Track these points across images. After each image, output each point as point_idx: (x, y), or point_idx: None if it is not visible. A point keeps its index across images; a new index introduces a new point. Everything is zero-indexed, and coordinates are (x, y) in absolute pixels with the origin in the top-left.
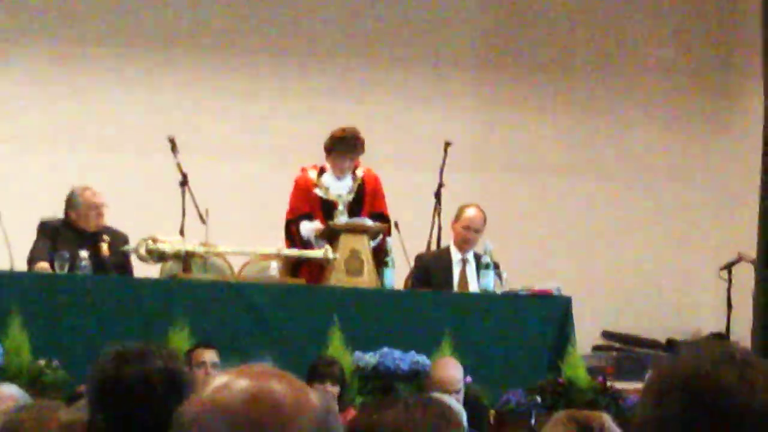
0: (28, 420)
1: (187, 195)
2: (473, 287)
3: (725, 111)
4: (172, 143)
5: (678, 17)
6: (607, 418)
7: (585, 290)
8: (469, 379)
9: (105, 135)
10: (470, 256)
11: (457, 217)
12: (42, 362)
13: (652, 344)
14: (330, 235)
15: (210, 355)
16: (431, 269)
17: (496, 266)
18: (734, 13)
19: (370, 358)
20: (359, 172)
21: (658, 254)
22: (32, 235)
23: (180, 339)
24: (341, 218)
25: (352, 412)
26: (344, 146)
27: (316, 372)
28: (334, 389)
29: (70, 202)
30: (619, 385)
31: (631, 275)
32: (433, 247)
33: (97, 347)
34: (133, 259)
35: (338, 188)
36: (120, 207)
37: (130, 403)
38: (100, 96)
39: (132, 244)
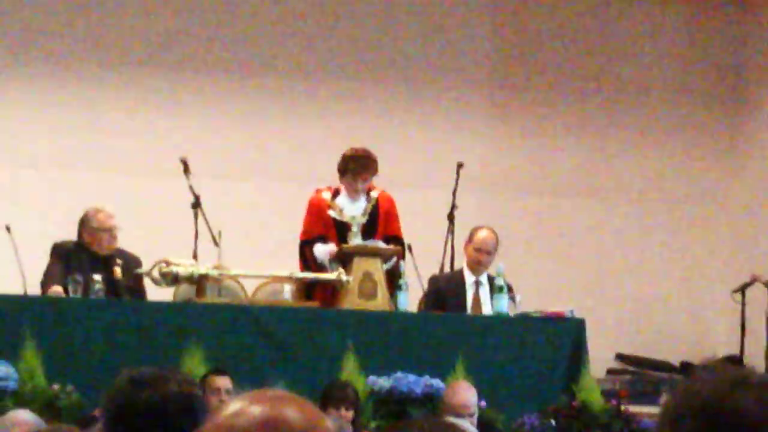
0: None
1: (200, 217)
2: (487, 310)
3: (738, 131)
4: (185, 165)
5: (689, 37)
6: None
7: (598, 313)
8: (483, 403)
9: (118, 157)
10: (484, 278)
11: (470, 239)
12: (56, 387)
13: (666, 367)
14: (343, 258)
15: (224, 382)
16: (444, 292)
17: (510, 289)
18: (745, 30)
19: (384, 382)
20: (374, 194)
21: (671, 276)
22: (45, 258)
23: (194, 363)
24: (355, 240)
25: None
26: (357, 166)
27: (330, 396)
28: (349, 414)
29: (83, 224)
30: (633, 408)
31: (644, 298)
32: (447, 269)
33: (111, 371)
34: (147, 282)
35: (352, 210)
36: (133, 229)
37: (145, 427)
38: (113, 118)
39: (145, 267)
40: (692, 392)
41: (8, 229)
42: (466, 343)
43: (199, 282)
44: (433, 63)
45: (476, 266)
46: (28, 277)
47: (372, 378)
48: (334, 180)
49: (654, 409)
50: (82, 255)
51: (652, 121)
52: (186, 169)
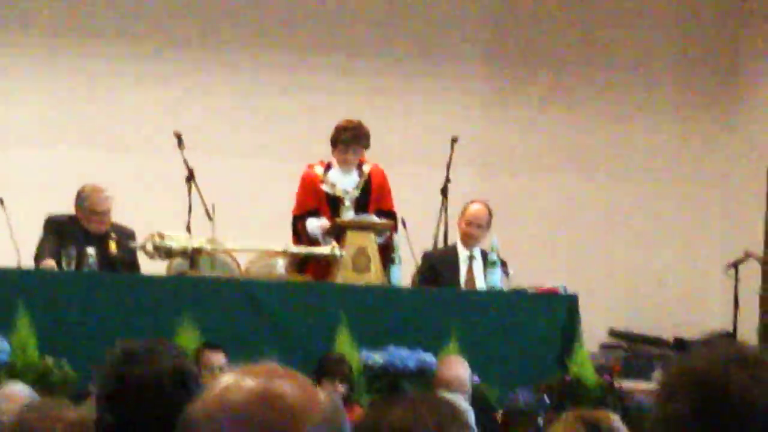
0: (34, 420)
1: (194, 191)
2: (480, 285)
3: (732, 109)
4: (179, 139)
5: (683, 12)
6: (615, 419)
7: (592, 288)
8: (476, 378)
9: (112, 131)
10: (477, 253)
11: (462, 214)
12: (49, 360)
13: (660, 342)
14: (337, 232)
15: (218, 357)
16: (438, 266)
17: (503, 264)
18: (742, 7)
19: (377, 357)
20: (366, 168)
21: (665, 252)
22: (39, 232)
23: (187, 336)
24: (348, 214)
25: (358, 411)
26: (348, 137)
27: (325, 369)
28: (342, 387)
29: (78, 200)
30: (626, 383)
31: (638, 273)
32: (440, 244)
33: (104, 345)
34: (140, 256)
35: (345, 184)
36: (126, 203)
37: (139, 401)
38: (107, 92)
39: (139, 240)
40: (687, 368)
41: (1, 202)
42: (459, 318)
43: (192, 255)
44: (427, 37)
45: (468, 240)
46: (21, 250)
47: (365, 352)
48: (328, 155)
49: (647, 385)
50: (76, 229)
51: (647, 99)
52: (180, 143)
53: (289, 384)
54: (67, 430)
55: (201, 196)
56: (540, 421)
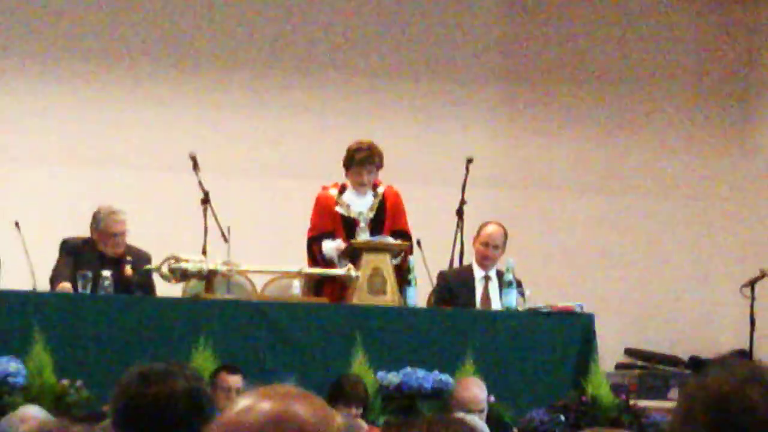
0: None
1: (209, 213)
2: (496, 305)
3: (746, 126)
4: (194, 161)
5: (699, 33)
6: None
7: (607, 307)
8: (492, 398)
9: (127, 153)
10: (493, 273)
11: (477, 234)
12: (65, 382)
13: (675, 362)
14: (352, 254)
15: (235, 380)
16: (454, 287)
17: (519, 284)
18: (756, 25)
19: (393, 377)
20: (380, 189)
21: (680, 271)
22: (54, 254)
23: (203, 358)
24: (363, 236)
25: None
26: (362, 158)
27: (340, 392)
28: (358, 411)
29: (94, 222)
30: (642, 402)
31: (653, 292)
32: (456, 264)
33: (120, 367)
34: (156, 278)
35: (359, 205)
36: (142, 225)
37: (154, 422)
38: (122, 114)
39: (154, 263)
40: (703, 387)
41: (17, 225)
42: (475, 339)
43: (208, 278)
44: (442, 57)
45: (484, 261)
46: (37, 273)
47: (381, 373)
48: (342, 176)
49: (663, 404)
50: (92, 251)
51: (662, 117)
52: (195, 165)
53: (304, 406)
54: None
55: (216, 219)
56: None
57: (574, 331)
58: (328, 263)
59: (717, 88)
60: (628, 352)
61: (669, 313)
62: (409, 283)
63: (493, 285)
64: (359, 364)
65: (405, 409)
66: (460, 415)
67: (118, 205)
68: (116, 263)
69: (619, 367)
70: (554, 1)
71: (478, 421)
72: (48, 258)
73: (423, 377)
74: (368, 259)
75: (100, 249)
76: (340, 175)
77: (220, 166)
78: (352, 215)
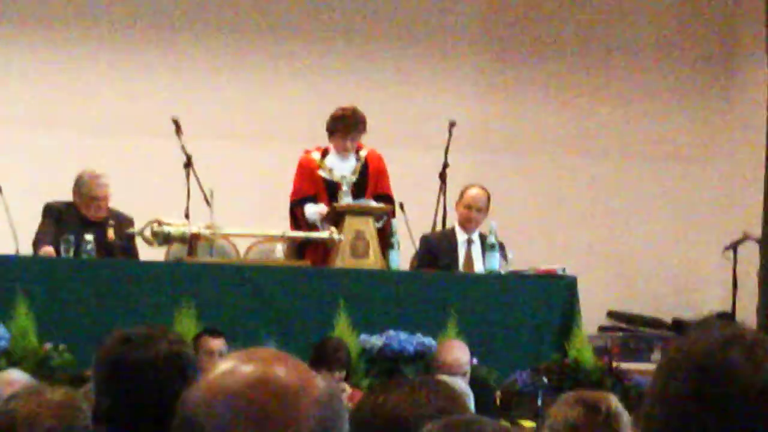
0: (20, 404)
1: (192, 177)
2: (479, 268)
3: (729, 89)
4: (177, 125)
5: None
6: (614, 399)
7: (590, 270)
8: (475, 361)
9: (109, 117)
10: (476, 236)
11: (460, 197)
12: (48, 346)
13: (658, 324)
14: (335, 217)
15: (218, 344)
16: (436, 250)
17: (502, 247)
18: None
19: (375, 341)
20: (363, 153)
21: (663, 234)
22: (37, 218)
23: (186, 322)
24: (345, 199)
25: (358, 395)
26: (345, 126)
27: (322, 355)
28: (341, 375)
29: (77, 186)
30: (625, 365)
31: (636, 255)
32: (439, 227)
33: (103, 331)
34: (139, 242)
35: (342, 169)
36: (125, 189)
37: (136, 386)
38: (105, 78)
39: (137, 227)
40: (684, 350)
41: None
42: (458, 301)
43: (191, 241)
44: (424, 20)
45: (467, 224)
46: (19, 237)
47: (364, 336)
48: (325, 140)
49: (646, 366)
50: (74, 215)
51: (643, 79)
52: (178, 130)
53: (285, 369)
54: (53, 412)
55: (199, 182)
56: (539, 402)
57: (556, 293)
58: (311, 227)
59: (700, 51)
60: (611, 314)
61: (652, 276)
62: (392, 246)
63: (476, 248)
64: (342, 328)
65: (388, 372)
66: (443, 377)
67: (100, 169)
68: (99, 227)
69: (602, 329)
70: None
71: (461, 383)
72: (30, 222)
73: (406, 340)
74: (351, 223)
75: (82, 213)
76: (323, 139)
77: (202, 130)
78: (335, 179)
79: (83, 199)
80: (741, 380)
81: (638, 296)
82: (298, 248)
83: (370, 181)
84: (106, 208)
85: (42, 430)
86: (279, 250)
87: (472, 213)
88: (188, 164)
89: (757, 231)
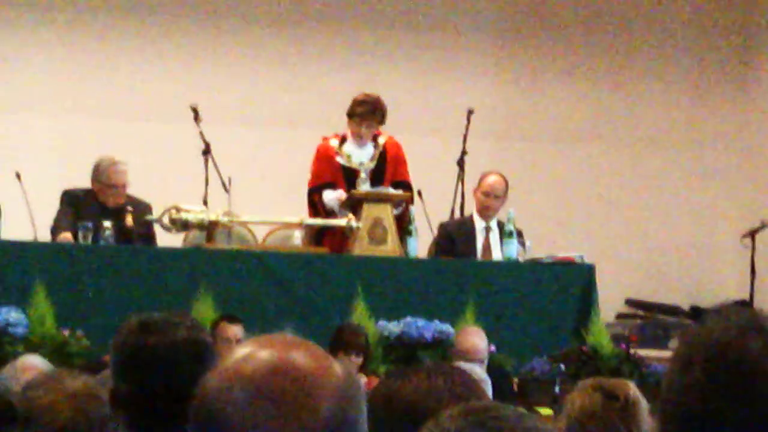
0: (38, 391)
1: (210, 164)
2: (497, 255)
3: (747, 76)
4: (195, 112)
5: None
6: (632, 386)
7: (608, 258)
8: (493, 348)
9: (128, 104)
10: (494, 224)
11: (479, 184)
12: (66, 332)
13: (676, 311)
14: (353, 204)
15: (236, 330)
16: (455, 237)
17: (520, 234)
18: None
19: (393, 327)
20: (381, 140)
21: (681, 221)
22: (55, 205)
23: (204, 308)
24: (363, 186)
25: (375, 381)
26: (363, 111)
27: (341, 341)
28: (359, 359)
29: (95, 173)
30: (643, 352)
31: (654, 242)
32: (457, 215)
33: (120, 317)
34: (157, 229)
35: (360, 156)
36: (143, 176)
37: (154, 372)
38: (123, 65)
39: (155, 213)
40: (701, 337)
41: (18, 176)
42: (475, 289)
43: (209, 228)
44: (443, 8)
45: (485, 211)
46: (38, 224)
47: (382, 323)
48: (343, 127)
49: (664, 353)
50: (93, 202)
51: (663, 67)
52: (196, 117)
53: (303, 355)
54: (72, 402)
55: (217, 169)
56: (556, 389)
57: (574, 281)
58: (329, 214)
59: (718, 38)
60: (629, 302)
61: (670, 263)
62: (410, 233)
63: (494, 235)
64: (360, 315)
65: (405, 358)
66: (461, 364)
67: (119, 156)
68: (117, 214)
69: (620, 317)
70: None
71: (479, 370)
72: (49, 209)
73: (423, 327)
74: (369, 210)
75: (101, 200)
76: (341, 126)
77: (221, 117)
78: (353, 165)
79: (102, 186)
80: (758, 368)
81: (656, 283)
82: (316, 235)
83: (389, 168)
84: (125, 194)
85: (61, 420)
86: (297, 237)
87: (490, 200)
88: (207, 151)
89: None
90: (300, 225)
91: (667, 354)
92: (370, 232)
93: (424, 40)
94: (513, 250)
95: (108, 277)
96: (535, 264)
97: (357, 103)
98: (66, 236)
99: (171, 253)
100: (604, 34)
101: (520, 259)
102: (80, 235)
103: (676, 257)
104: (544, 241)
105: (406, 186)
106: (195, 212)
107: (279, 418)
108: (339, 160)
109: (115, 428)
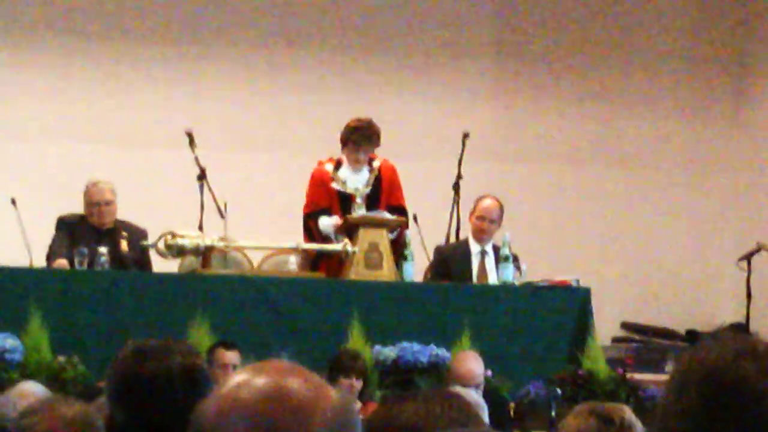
0: (34, 419)
1: (206, 189)
2: (492, 279)
3: (744, 98)
4: (190, 137)
5: (695, 6)
6: (628, 411)
7: (604, 281)
8: (489, 372)
9: (123, 130)
10: (489, 248)
11: (473, 209)
12: (62, 359)
13: (672, 335)
14: (348, 229)
15: (231, 357)
16: (450, 262)
17: (515, 258)
18: (752, 1)
19: (389, 352)
20: (376, 164)
21: (676, 245)
22: (50, 231)
23: (200, 334)
24: (359, 211)
25: (372, 406)
26: (359, 137)
27: (340, 365)
28: (359, 384)
29: (83, 197)
30: (639, 376)
31: (650, 266)
32: (452, 239)
33: (116, 343)
34: (152, 254)
35: (355, 181)
36: (138, 201)
37: (150, 399)
38: (119, 90)
39: (151, 239)
40: (697, 361)
41: (14, 202)
42: (471, 313)
43: (204, 254)
44: (437, 32)
45: (480, 235)
46: (33, 250)
47: (377, 348)
48: (338, 151)
49: (659, 377)
50: (88, 228)
51: (657, 88)
52: (191, 142)
53: (299, 382)
54: (67, 427)
55: (213, 195)
56: (552, 414)
57: (570, 305)
58: (325, 239)
59: (713, 61)
60: (625, 325)
61: (666, 287)
62: (405, 258)
63: (490, 259)
64: (356, 339)
65: (402, 383)
66: (457, 389)
67: (114, 180)
68: (112, 239)
69: (616, 340)
70: None
71: (475, 395)
72: (44, 235)
73: (419, 351)
74: (365, 235)
75: (91, 222)
76: (336, 151)
77: (216, 142)
78: (348, 191)
79: (87, 207)
80: (753, 392)
81: (652, 307)
82: (312, 260)
83: (384, 192)
84: (111, 214)
85: None
86: (293, 262)
87: (485, 224)
88: (202, 176)
89: None
90: (296, 250)
91: (663, 378)
92: (366, 256)
93: (418, 65)
94: (509, 274)
95: (104, 303)
96: (530, 288)
97: (351, 131)
98: (61, 263)
99: (167, 278)
100: (601, 58)
101: (516, 283)
102: (76, 260)
103: (671, 281)
104: (539, 264)
105: (402, 211)
106: (191, 237)
107: None
108: (334, 185)
109: None
